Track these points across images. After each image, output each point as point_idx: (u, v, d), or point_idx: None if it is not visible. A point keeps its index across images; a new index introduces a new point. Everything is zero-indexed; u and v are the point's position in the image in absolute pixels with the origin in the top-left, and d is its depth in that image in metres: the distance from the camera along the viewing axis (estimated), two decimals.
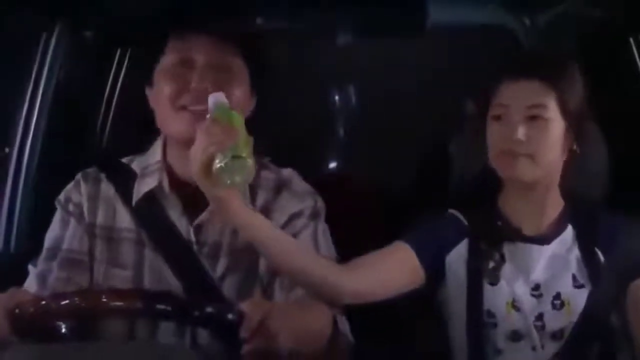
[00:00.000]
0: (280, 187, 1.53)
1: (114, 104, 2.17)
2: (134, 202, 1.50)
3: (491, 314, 1.49)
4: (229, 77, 1.47)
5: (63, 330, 1.16)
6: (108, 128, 2.17)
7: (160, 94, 1.47)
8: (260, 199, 1.52)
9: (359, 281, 1.46)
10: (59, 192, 1.57)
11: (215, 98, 1.33)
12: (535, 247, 1.53)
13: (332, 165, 2.29)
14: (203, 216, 1.48)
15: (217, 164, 1.25)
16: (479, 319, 1.49)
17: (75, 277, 1.46)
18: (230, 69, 1.48)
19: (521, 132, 1.45)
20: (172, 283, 1.46)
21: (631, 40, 1.93)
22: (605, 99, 2.06)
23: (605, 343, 1.49)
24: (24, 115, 1.95)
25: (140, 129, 1.99)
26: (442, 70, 2.14)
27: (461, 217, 1.57)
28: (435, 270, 1.52)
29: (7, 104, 1.95)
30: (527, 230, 1.54)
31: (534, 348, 1.48)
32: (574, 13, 1.96)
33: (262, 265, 1.48)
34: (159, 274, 1.47)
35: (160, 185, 1.49)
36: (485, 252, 1.52)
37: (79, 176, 1.56)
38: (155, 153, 1.54)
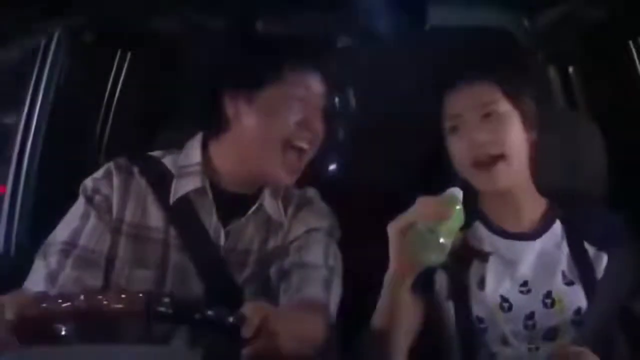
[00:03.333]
0: (303, 203, 1.57)
1: (114, 105, 2.18)
2: (171, 201, 1.49)
3: (480, 319, 1.49)
4: (321, 112, 1.51)
5: (65, 333, 1.16)
6: (108, 130, 2.17)
7: (266, 121, 1.46)
8: (288, 214, 1.55)
9: None
10: (59, 195, 1.57)
11: (454, 191, 1.33)
12: (521, 243, 1.52)
13: (332, 166, 2.29)
14: (235, 223, 1.50)
15: (416, 228, 1.28)
16: (469, 325, 1.49)
17: (87, 278, 1.42)
18: (322, 104, 1.51)
19: (483, 133, 1.46)
20: (196, 285, 1.47)
21: (630, 42, 1.93)
22: (605, 100, 2.08)
23: (606, 346, 1.47)
24: (25, 116, 1.95)
25: (141, 131, 2.00)
26: (442, 71, 2.14)
27: None
28: (427, 290, 1.52)
29: (8, 104, 1.95)
30: (509, 228, 1.54)
31: (529, 349, 1.47)
32: (573, 15, 1.96)
33: (274, 267, 1.50)
34: (183, 276, 1.47)
35: (203, 187, 1.49)
36: (466, 260, 1.52)
37: (110, 166, 1.51)
38: (193, 154, 1.53)
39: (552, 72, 2.21)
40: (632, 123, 1.96)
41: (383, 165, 2.12)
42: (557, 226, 1.54)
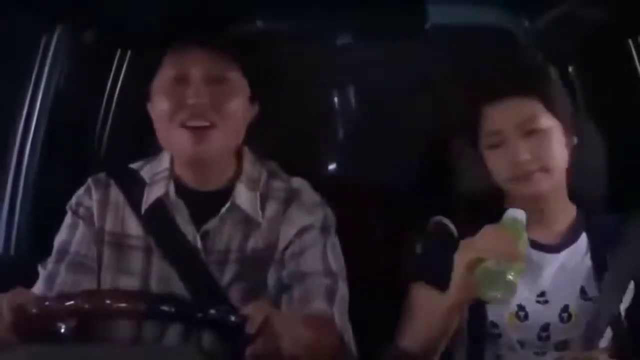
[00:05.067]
0: (290, 198, 1.52)
1: (113, 106, 2.17)
2: (143, 210, 1.50)
3: (494, 325, 1.47)
4: (226, 89, 1.46)
5: (66, 331, 1.16)
6: (108, 130, 2.17)
7: (157, 110, 1.47)
8: (270, 209, 1.51)
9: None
10: (59, 195, 1.58)
11: (517, 213, 1.32)
12: (543, 255, 1.51)
13: (332, 166, 2.28)
14: (210, 223, 1.48)
15: (486, 266, 1.25)
16: (482, 329, 1.47)
17: (82, 282, 1.46)
18: (227, 81, 1.47)
19: (525, 152, 1.44)
20: (179, 290, 1.46)
21: (630, 42, 1.93)
22: (605, 100, 2.07)
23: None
24: (24, 118, 1.95)
25: (140, 131, 1.99)
26: (442, 71, 2.14)
27: (450, 226, 1.55)
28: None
29: (7, 106, 1.95)
30: (535, 238, 1.50)
31: (536, 353, 1.47)
32: (573, 15, 1.96)
33: (271, 278, 1.48)
34: (166, 282, 1.47)
35: (167, 193, 1.50)
36: None
37: (89, 181, 1.56)
38: (163, 161, 1.54)
39: (552, 72, 2.21)
40: (632, 123, 1.96)
41: (383, 165, 2.12)
42: (583, 238, 1.53)
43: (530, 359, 1.47)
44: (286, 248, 1.48)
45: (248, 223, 1.49)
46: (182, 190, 1.50)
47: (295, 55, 2.13)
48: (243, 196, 1.49)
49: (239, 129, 1.50)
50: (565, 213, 1.55)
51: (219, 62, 1.47)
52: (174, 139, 1.45)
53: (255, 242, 1.49)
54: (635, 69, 1.93)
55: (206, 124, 1.43)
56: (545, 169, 1.45)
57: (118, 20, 1.97)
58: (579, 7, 1.93)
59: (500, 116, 1.47)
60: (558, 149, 1.47)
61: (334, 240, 1.51)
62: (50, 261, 1.49)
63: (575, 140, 1.51)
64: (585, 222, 1.55)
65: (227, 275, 1.47)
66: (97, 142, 2.17)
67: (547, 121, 1.47)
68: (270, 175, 1.55)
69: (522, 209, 1.48)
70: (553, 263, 1.50)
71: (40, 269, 1.49)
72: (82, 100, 2.09)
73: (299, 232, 1.49)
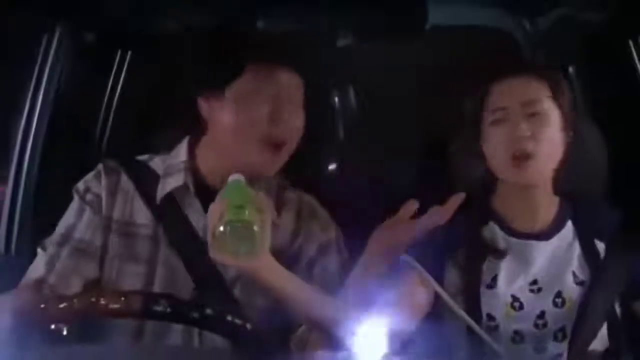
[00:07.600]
0: (305, 212, 1.56)
1: (114, 105, 2.18)
2: (158, 200, 1.51)
3: (491, 317, 1.48)
4: (297, 104, 1.49)
5: (65, 332, 1.16)
6: (108, 129, 2.18)
7: (239, 119, 1.46)
8: (285, 216, 1.54)
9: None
10: (59, 195, 1.58)
11: (233, 178, 1.34)
12: (534, 244, 1.52)
13: (332, 166, 2.29)
14: None
15: (218, 228, 1.24)
16: (479, 323, 1.48)
17: (83, 268, 1.47)
18: (297, 96, 1.50)
19: (525, 128, 1.44)
20: (185, 281, 1.47)
21: (630, 42, 1.93)
22: (605, 101, 2.08)
23: (610, 340, 1.50)
24: (25, 117, 1.96)
25: (141, 131, 2.00)
26: (442, 72, 2.15)
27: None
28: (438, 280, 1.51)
29: (7, 105, 1.96)
30: (522, 229, 1.53)
31: (536, 350, 1.48)
32: (574, 15, 1.97)
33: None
34: (172, 272, 1.48)
35: (185, 185, 1.51)
36: (480, 257, 1.52)
37: (100, 167, 1.55)
38: (179, 153, 1.55)
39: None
40: (633, 123, 1.96)
41: (383, 164, 2.13)
42: (569, 226, 1.55)
43: (531, 356, 1.47)
44: (310, 266, 1.52)
45: None
46: (198, 183, 1.52)
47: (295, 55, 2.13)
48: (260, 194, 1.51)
49: None
50: (551, 204, 1.55)
51: (295, 76, 1.49)
52: (252, 154, 1.46)
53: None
54: (635, 69, 1.93)
55: (286, 141, 1.47)
56: (536, 154, 1.45)
57: (118, 20, 1.98)
58: (580, 8, 1.93)
59: (507, 93, 1.48)
60: (554, 138, 1.48)
61: (346, 255, 1.55)
62: (52, 243, 1.49)
63: (571, 137, 1.52)
64: (571, 210, 1.56)
65: (232, 270, 1.48)
66: (97, 142, 2.18)
67: (550, 107, 1.48)
68: (279, 186, 1.58)
69: (508, 204, 1.53)
70: (543, 250, 1.52)
71: (39, 250, 1.49)
72: (83, 100, 2.09)
73: (319, 249, 1.53)
